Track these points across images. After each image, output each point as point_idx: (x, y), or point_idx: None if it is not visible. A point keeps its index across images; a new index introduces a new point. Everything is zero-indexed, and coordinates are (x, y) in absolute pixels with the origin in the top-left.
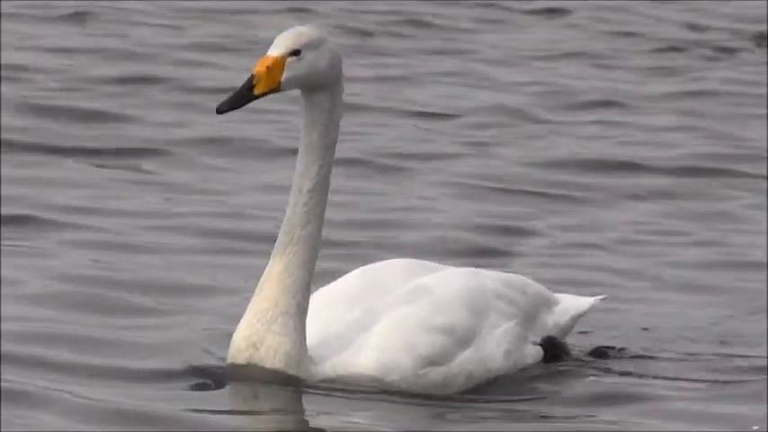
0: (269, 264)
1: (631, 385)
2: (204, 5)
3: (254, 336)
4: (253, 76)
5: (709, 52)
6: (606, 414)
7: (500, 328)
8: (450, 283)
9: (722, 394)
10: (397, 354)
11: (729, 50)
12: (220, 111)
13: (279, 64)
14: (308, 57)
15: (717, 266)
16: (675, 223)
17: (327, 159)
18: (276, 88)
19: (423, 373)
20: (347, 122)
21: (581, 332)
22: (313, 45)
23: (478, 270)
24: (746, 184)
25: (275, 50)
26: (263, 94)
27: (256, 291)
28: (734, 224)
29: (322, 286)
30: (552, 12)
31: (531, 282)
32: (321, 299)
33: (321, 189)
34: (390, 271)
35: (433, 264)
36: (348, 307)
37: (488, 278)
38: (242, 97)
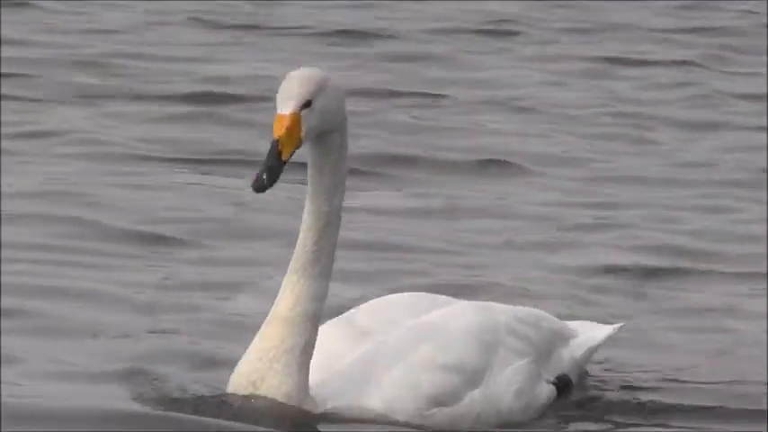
0: (277, 298)
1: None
2: None
3: (254, 374)
4: (276, 142)
5: None
6: None
7: (511, 367)
8: (459, 318)
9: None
10: (402, 394)
11: None
12: (261, 190)
13: (296, 122)
14: (318, 104)
15: None
16: None
17: (340, 195)
18: (299, 146)
19: (429, 414)
20: None
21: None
22: (321, 89)
23: (490, 304)
24: None
25: (287, 106)
26: (290, 156)
27: (262, 326)
28: None
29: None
30: None
31: (545, 315)
32: (326, 332)
33: (333, 225)
34: (399, 305)
35: (443, 297)
36: (353, 342)
37: (500, 312)
38: (276, 168)
